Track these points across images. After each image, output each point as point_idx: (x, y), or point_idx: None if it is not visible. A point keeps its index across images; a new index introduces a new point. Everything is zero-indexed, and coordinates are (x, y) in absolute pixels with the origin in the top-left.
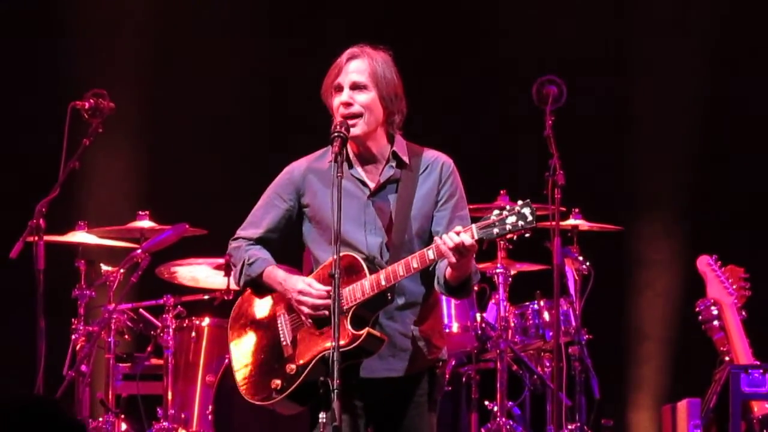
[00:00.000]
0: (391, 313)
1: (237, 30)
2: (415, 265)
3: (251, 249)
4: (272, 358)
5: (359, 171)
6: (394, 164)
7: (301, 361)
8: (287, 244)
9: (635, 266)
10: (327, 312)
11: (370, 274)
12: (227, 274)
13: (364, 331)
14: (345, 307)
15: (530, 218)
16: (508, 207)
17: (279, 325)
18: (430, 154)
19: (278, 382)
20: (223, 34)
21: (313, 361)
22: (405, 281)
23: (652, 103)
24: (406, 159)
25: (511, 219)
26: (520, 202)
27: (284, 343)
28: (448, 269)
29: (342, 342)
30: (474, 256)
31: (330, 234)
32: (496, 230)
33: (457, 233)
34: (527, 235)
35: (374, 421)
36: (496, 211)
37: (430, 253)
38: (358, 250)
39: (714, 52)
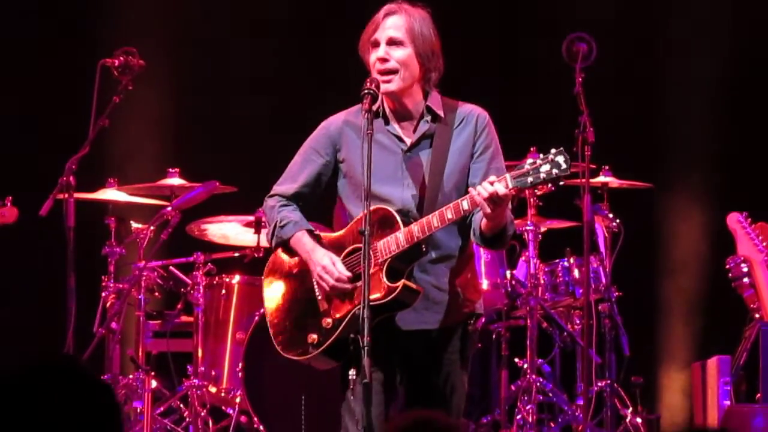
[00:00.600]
0: (424, 266)
1: None
2: (450, 216)
3: (284, 210)
4: (308, 313)
5: (395, 127)
6: (429, 119)
7: (338, 315)
8: (323, 200)
9: (665, 223)
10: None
11: (404, 226)
12: (257, 232)
13: (400, 283)
14: (380, 260)
15: (564, 166)
16: (541, 155)
17: (313, 281)
18: (466, 108)
19: (315, 336)
20: None
21: (349, 315)
22: (439, 233)
23: (682, 59)
24: (441, 113)
25: (545, 167)
26: (553, 150)
27: (319, 297)
28: (484, 220)
29: (378, 295)
30: (510, 206)
31: (361, 189)
32: (530, 179)
33: (491, 183)
34: (561, 183)
35: (407, 374)
36: (530, 160)
37: (465, 204)
38: (392, 205)
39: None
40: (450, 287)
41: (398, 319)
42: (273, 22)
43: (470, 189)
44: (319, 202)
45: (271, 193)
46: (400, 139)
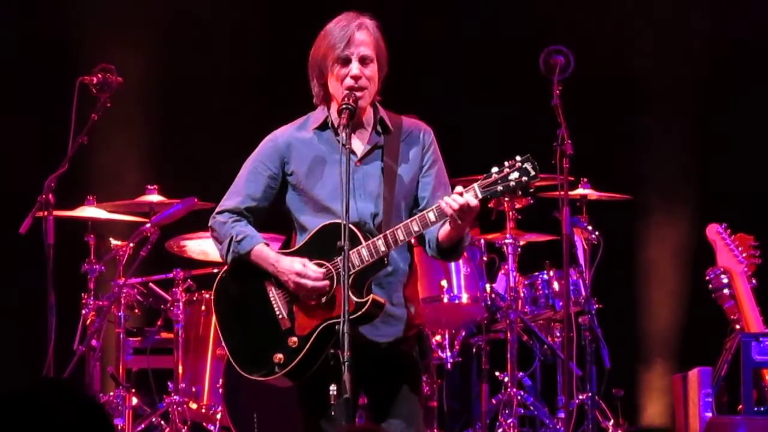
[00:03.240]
0: (379, 281)
1: (246, 4)
2: (416, 229)
3: (237, 225)
4: (269, 333)
5: (345, 139)
6: (379, 131)
7: (303, 334)
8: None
9: (644, 235)
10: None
11: (365, 240)
12: None
13: (369, 298)
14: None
15: (533, 173)
16: (507, 163)
17: (271, 299)
18: (410, 122)
19: (280, 356)
20: (233, 6)
21: (315, 333)
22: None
23: (660, 70)
24: (390, 126)
25: (514, 175)
26: (518, 157)
27: (280, 316)
28: (443, 231)
29: (348, 310)
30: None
31: (315, 202)
32: (500, 187)
33: (460, 194)
34: (531, 190)
35: (367, 388)
36: (495, 168)
37: (431, 215)
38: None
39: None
40: (404, 300)
41: (356, 334)
42: (254, 37)
43: (439, 201)
44: (268, 216)
45: (219, 209)
46: (351, 151)
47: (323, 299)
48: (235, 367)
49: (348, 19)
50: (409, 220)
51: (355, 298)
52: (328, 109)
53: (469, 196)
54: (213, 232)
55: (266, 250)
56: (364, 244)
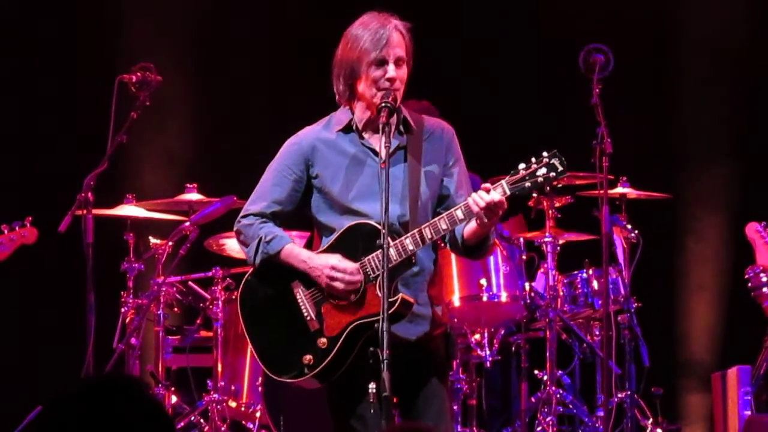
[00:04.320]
0: (406, 280)
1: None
2: (444, 227)
3: (266, 226)
4: (297, 335)
5: (368, 140)
6: (402, 131)
7: (332, 335)
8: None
9: (684, 234)
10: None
11: (393, 240)
12: None
13: (398, 297)
14: (371, 276)
15: (561, 168)
16: (534, 159)
17: (299, 301)
18: (431, 121)
19: (310, 357)
20: (272, 4)
21: (345, 333)
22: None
23: (702, 69)
24: (414, 126)
25: (542, 171)
26: (545, 153)
27: (308, 318)
28: (468, 229)
29: (377, 310)
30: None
31: (340, 204)
32: (527, 184)
33: (487, 190)
34: (559, 185)
35: (395, 387)
36: (523, 165)
37: (459, 213)
38: (372, 219)
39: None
40: (429, 299)
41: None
42: (294, 34)
43: (468, 198)
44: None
45: (245, 213)
46: (374, 152)
47: (353, 297)
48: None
49: (381, 20)
50: (437, 219)
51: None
52: (352, 110)
53: (496, 193)
54: (239, 236)
55: (297, 249)
56: (392, 243)
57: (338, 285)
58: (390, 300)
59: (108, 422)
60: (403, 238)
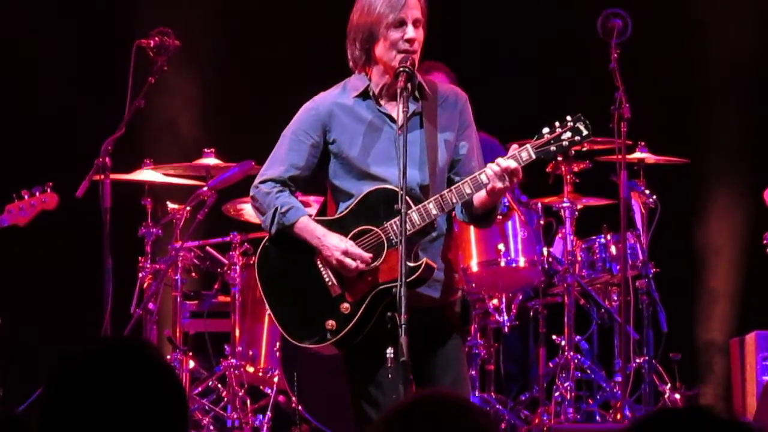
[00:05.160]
0: (423, 245)
1: None
2: (468, 191)
3: (282, 196)
4: (319, 300)
5: (384, 106)
6: (417, 97)
7: (355, 300)
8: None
9: (702, 199)
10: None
11: (415, 204)
12: None
13: (422, 262)
14: (394, 240)
15: (586, 132)
16: (558, 123)
17: (320, 266)
18: (444, 87)
19: (332, 322)
20: None
21: (368, 298)
22: None
23: (720, 31)
24: (429, 92)
25: (567, 135)
26: (569, 117)
27: (330, 283)
28: (479, 197)
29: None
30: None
31: (358, 170)
32: (553, 147)
33: (513, 157)
34: (584, 148)
35: (412, 352)
36: (547, 129)
37: (483, 177)
38: (391, 184)
39: None
40: (445, 264)
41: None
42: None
43: (489, 164)
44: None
45: (262, 178)
46: (391, 118)
47: (376, 263)
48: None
49: None
50: (460, 183)
51: (407, 263)
52: (368, 76)
53: (524, 154)
54: (255, 202)
55: (312, 224)
56: (414, 208)
57: (346, 270)
58: (414, 265)
59: (116, 385)
60: (426, 202)
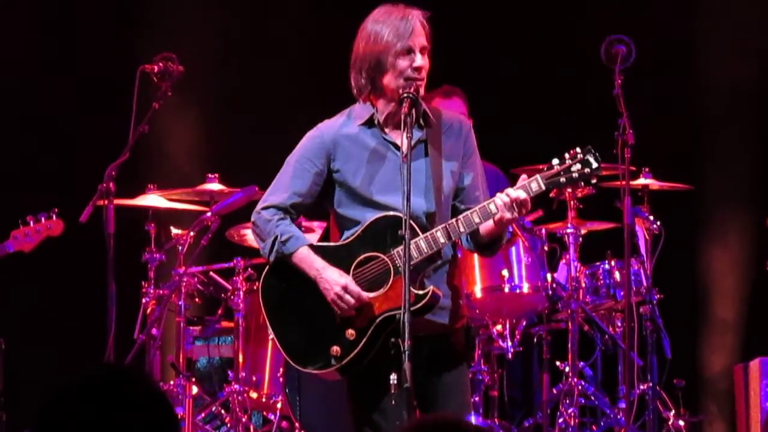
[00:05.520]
0: (429, 272)
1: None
2: (477, 220)
3: (282, 224)
4: (324, 326)
5: (389, 134)
6: (422, 124)
7: (361, 326)
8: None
9: (706, 225)
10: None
11: (422, 232)
12: None
13: (429, 290)
14: (400, 268)
15: (595, 165)
16: (568, 155)
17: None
18: (449, 114)
19: (337, 348)
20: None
21: (374, 325)
22: None
23: (723, 58)
24: (433, 119)
25: (576, 167)
26: (579, 149)
27: (333, 309)
28: (487, 225)
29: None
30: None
31: (362, 198)
32: (562, 179)
33: (523, 188)
34: (594, 182)
35: (417, 378)
36: (556, 160)
37: (492, 207)
38: (396, 212)
39: None
40: (451, 291)
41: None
42: (316, 27)
43: (498, 194)
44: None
45: (264, 204)
46: (396, 146)
47: (383, 290)
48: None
49: (402, 11)
50: (469, 212)
51: (414, 290)
52: (373, 105)
53: (534, 185)
54: (255, 228)
55: (312, 255)
56: (422, 236)
57: (341, 308)
58: (421, 292)
59: (108, 412)
60: (434, 230)
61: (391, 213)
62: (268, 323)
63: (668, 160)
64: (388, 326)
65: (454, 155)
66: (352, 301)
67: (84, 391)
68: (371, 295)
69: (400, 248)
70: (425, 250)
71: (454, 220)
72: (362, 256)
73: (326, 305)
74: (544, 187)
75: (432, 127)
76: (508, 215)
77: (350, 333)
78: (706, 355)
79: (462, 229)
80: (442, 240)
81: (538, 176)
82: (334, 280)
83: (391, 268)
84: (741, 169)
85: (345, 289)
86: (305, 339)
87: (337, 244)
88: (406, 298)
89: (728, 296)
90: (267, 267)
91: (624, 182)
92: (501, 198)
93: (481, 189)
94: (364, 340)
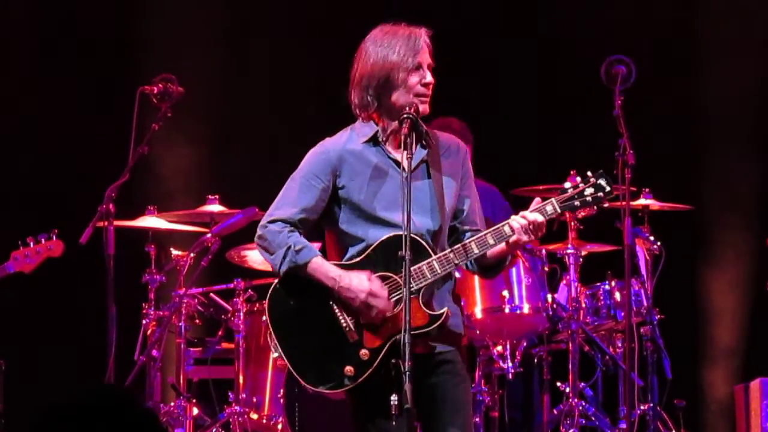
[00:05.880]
0: (432, 290)
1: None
2: (491, 242)
3: (294, 235)
4: (336, 345)
5: (392, 152)
6: (424, 144)
7: (374, 346)
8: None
9: (706, 245)
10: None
11: (434, 253)
12: None
13: (444, 310)
14: (414, 288)
15: (608, 188)
16: (579, 179)
17: (335, 310)
18: (445, 136)
19: (351, 368)
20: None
21: (388, 345)
22: None
23: (723, 78)
24: (433, 140)
25: (589, 190)
26: (589, 173)
27: (347, 328)
28: (497, 247)
29: (422, 323)
30: None
31: (367, 216)
32: (577, 202)
33: (539, 210)
34: (606, 205)
35: (420, 397)
36: (568, 184)
37: (507, 229)
38: (399, 231)
39: None
40: (457, 309)
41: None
42: (316, 46)
43: (513, 217)
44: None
45: (272, 218)
46: (399, 164)
47: (396, 310)
48: (298, 380)
49: (408, 29)
50: (482, 234)
51: (428, 311)
52: (376, 122)
53: (549, 208)
54: (262, 241)
55: (327, 264)
56: (435, 256)
57: (373, 312)
58: (435, 314)
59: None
60: (447, 251)
61: (401, 233)
62: (276, 342)
63: (668, 180)
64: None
65: (453, 176)
66: (381, 304)
67: (73, 413)
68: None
69: (412, 268)
70: (438, 271)
71: (467, 241)
72: (373, 276)
73: (337, 324)
74: (559, 210)
75: (431, 148)
76: (525, 238)
77: (364, 353)
78: (707, 376)
79: (476, 251)
80: (456, 261)
81: (553, 199)
82: (357, 286)
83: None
84: (741, 190)
85: (372, 294)
86: (317, 358)
87: (349, 262)
88: (407, 318)
89: (729, 316)
90: (275, 282)
91: (624, 203)
92: (518, 221)
93: (478, 213)
94: (378, 359)
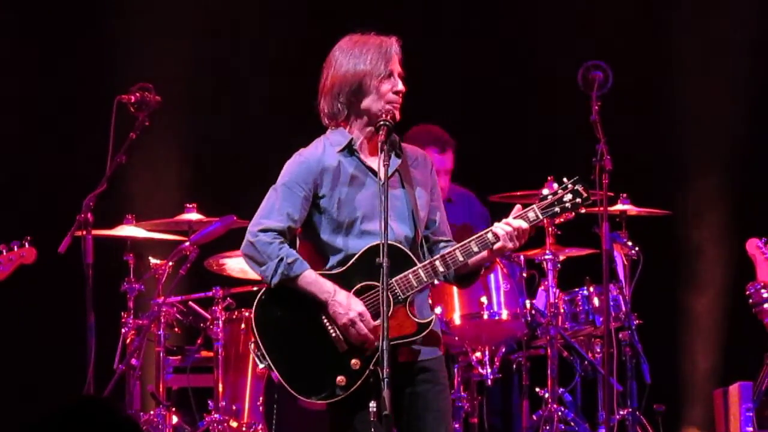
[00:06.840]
0: (411, 298)
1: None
2: (476, 250)
3: (285, 247)
4: (327, 355)
5: (367, 160)
6: (398, 153)
7: (365, 355)
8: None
9: (684, 250)
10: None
11: (419, 261)
12: None
13: (432, 317)
14: (401, 297)
15: (585, 195)
16: (556, 185)
17: (324, 321)
18: (412, 148)
19: (342, 378)
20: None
21: (377, 354)
22: None
23: (700, 83)
24: (402, 150)
25: (568, 197)
26: (565, 180)
27: (337, 338)
28: (479, 255)
29: (410, 331)
30: None
31: (346, 225)
32: (557, 209)
33: (522, 217)
34: (583, 211)
35: (401, 405)
36: (547, 192)
37: (490, 236)
38: (377, 239)
39: (757, 33)
40: (434, 316)
41: (397, 353)
42: (294, 54)
43: (497, 224)
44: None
45: (262, 227)
46: (374, 172)
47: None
48: (287, 390)
49: (378, 38)
50: (467, 242)
51: (417, 319)
52: (348, 130)
53: (532, 215)
54: (252, 250)
55: (320, 278)
56: (420, 265)
57: (354, 334)
58: (424, 321)
59: None
60: (432, 259)
61: (391, 242)
62: (263, 351)
63: (646, 185)
64: (392, 355)
65: (424, 186)
66: (364, 330)
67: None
68: (374, 323)
69: (398, 277)
70: (424, 280)
71: (451, 249)
72: (359, 285)
73: (326, 334)
74: (541, 216)
75: (401, 157)
76: (510, 245)
77: (354, 362)
78: (686, 380)
79: (461, 258)
80: (441, 269)
81: (534, 206)
82: (348, 305)
83: (391, 298)
84: (719, 194)
85: (361, 316)
86: (307, 368)
87: (334, 272)
88: (385, 325)
89: (707, 320)
90: (262, 292)
91: (602, 208)
92: (503, 228)
93: (447, 224)
94: (369, 368)
